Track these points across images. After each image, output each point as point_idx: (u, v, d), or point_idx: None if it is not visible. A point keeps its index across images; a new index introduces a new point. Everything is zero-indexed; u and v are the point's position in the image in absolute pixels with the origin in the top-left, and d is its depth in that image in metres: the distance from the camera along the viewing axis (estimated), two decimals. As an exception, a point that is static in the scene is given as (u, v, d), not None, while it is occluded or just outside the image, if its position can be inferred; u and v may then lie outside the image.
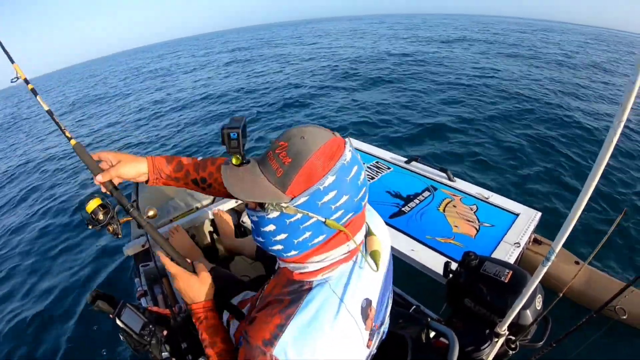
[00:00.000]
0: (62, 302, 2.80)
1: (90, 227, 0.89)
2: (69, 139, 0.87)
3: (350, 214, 0.64)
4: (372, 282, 0.75)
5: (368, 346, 0.74)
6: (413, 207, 1.91)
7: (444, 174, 2.18)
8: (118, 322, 1.08)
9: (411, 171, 2.27)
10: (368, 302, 0.72)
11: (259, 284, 1.10)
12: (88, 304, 1.08)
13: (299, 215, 0.61)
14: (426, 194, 2.03)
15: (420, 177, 2.20)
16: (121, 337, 1.14)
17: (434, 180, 2.15)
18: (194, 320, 0.92)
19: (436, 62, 10.91)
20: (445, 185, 2.11)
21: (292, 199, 0.61)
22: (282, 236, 0.65)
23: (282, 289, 0.71)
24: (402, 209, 1.90)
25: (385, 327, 0.87)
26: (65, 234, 3.82)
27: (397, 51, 13.08)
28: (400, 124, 5.78)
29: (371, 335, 0.74)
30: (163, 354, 1.17)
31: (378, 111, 6.47)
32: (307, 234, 0.63)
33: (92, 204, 0.88)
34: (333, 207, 0.61)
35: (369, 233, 0.77)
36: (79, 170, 5.66)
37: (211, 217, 1.98)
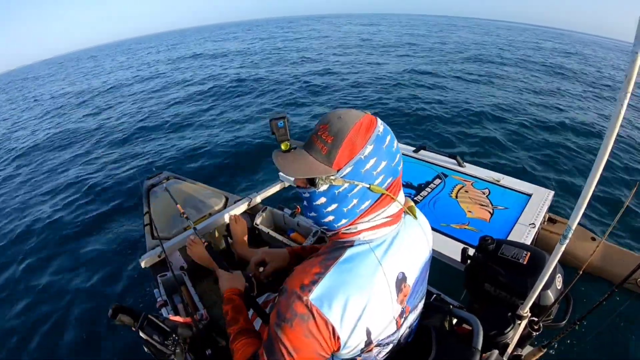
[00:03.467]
0: (79, 318, 2.79)
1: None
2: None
3: (390, 178, 0.70)
4: (411, 259, 0.78)
5: (398, 324, 0.76)
6: (425, 196, 1.91)
7: (453, 160, 2.17)
8: (141, 334, 1.10)
9: (420, 160, 2.27)
10: (404, 277, 0.75)
11: (279, 285, 1.12)
12: (109, 318, 1.10)
13: (346, 185, 0.68)
14: (437, 181, 2.02)
15: (430, 165, 2.19)
16: (145, 349, 1.15)
17: (444, 167, 2.15)
18: (223, 306, 1.03)
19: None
20: (456, 171, 2.10)
21: (338, 171, 0.67)
22: (333, 207, 0.70)
23: (326, 248, 0.75)
24: (415, 198, 1.90)
25: (415, 316, 0.88)
26: (76, 252, 3.83)
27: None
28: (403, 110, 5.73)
29: (402, 313, 0.76)
30: None
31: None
32: (355, 201, 0.69)
33: None
34: (375, 172, 0.68)
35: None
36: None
37: (226, 221, 2.00)
